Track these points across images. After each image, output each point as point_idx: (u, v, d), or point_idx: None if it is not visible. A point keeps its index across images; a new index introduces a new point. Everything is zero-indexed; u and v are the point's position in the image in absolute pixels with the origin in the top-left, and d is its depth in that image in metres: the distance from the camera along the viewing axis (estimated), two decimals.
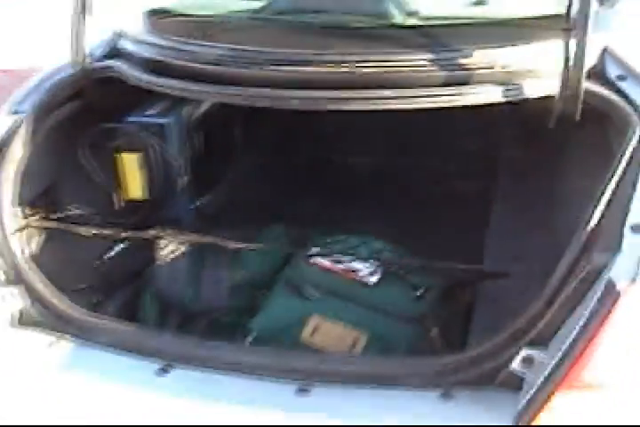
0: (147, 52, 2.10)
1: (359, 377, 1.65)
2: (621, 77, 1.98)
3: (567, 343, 1.46)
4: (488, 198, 2.49)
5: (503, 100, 1.92)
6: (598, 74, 1.99)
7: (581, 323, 1.45)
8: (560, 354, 1.46)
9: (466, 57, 1.89)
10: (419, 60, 1.89)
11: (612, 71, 2.00)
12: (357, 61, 1.85)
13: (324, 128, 2.91)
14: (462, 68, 1.90)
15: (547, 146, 2.44)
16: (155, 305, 2.04)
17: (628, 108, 1.84)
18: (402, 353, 1.84)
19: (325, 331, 1.87)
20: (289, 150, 3.05)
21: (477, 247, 2.24)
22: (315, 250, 1.92)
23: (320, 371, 1.67)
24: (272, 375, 1.64)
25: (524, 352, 1.57)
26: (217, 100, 2.11)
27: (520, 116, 2.67)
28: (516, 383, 1.57)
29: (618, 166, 1.68)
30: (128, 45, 2.18)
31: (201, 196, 2.44)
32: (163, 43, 2.08)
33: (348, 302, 1.89)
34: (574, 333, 1.46)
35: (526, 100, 1.95)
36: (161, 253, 2.06)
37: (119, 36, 2.25)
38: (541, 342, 1.57)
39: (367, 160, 2.99)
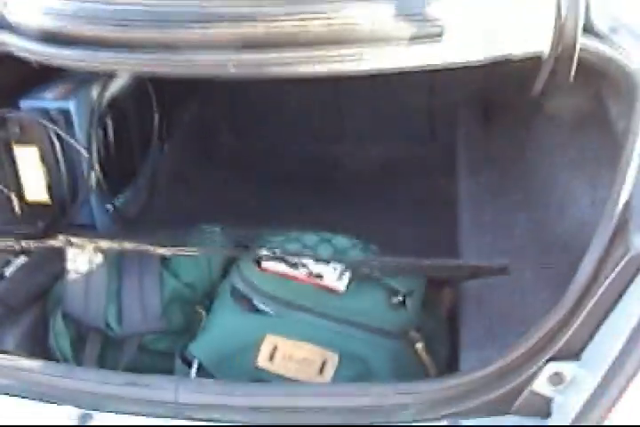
0: (40, 20, 1.67)
1: (337, 412, 1.28)
2: (613, 30, 1.67)
3: (616, 353, 1.13)
4: (455, 182, 2.17)
5: (479, 61, 1.57)
6: (585, 27, 1.67)
7: (632, 327, 1.13)
8: (607, 367, 1.13)
9: (429, 7, 1.52)
10: (366, 13, 1.51)
11: (601, 23, 1.68)
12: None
13: (258, 107, 2.55)
14: (425, 21, 1.54)
15: (519, 115, 2.19)
16: (67, 332, 1.63)
17: (631, 65, 1.52)
18: (384, 376, 1.47)
19: (286, 353, 1.49)
20: (220, 135, 2.71)
21: (450, 240, 1.93)
22: (264, 252, 1.53)
23: (286, 407, 1.30)
24: (226, 417, 1.26)
25: (551, 368, 1.23)
26: (129, 70, 1.71)
27: (487, 80, 2.39)
28: (540, 408, 1.25)
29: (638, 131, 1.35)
30: (17, 14, 1.76)
31: (117, 194, 2.05)
32: (59, 7, 1.66)
33: (313, 316, 1.51)
34: (623, 339, 1.13)
35: (504, 60, 1.61)
36: (71, 265, 1.64)
37: (4, 3, 1.83)
38: (570, 354, 1.23)
39: (311, 146, 2.65)
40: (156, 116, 2.28)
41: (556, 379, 1.23)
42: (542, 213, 1.84)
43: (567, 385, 1.22)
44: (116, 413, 1.29)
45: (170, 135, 2.46)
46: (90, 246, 1.61)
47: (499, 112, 2.40)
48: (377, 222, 2.12)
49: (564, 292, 1.26)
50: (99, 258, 1.64)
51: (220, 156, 2.70)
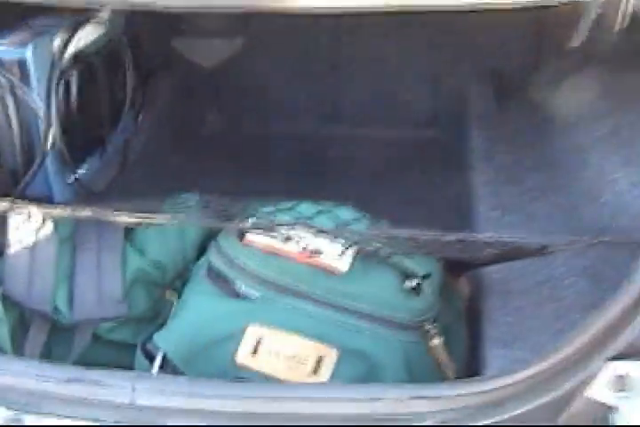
0: None
1: (336, 422, 1.00)
2: None
3: None
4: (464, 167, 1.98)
5: (517, 4, 1.33)
6: None
7: None
8: None
9: None
10: None
11: None
12: None
13: (246, 81, 2.34)
14: None
15: (536, 91, 2.08)
16: (6, 318, 1.34)
17: None
18: (392, 377, 1.19)
19: (273, 348, 1.22)
20: (204, 109, 2.46)
21: (465, 226, 1.68)
22: (249, 222, 1.25)
23: (272, 414, 1.02)
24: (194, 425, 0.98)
25: (612, 368, 0.96)
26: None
27: (499, 54, 2.25)
28: (597, 420, 1.00)
29: None
30: None
31: (80, 163, 1.77)
32: None
33: (307, 302, 1.23)
34: None
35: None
36: (14, 236, 1.35)
37: None
38: (634, 352, 0.98)
39: (303, 126, 2.43)
40: (130, 80, 2.01)
41: (620, 383, 0.97)
42: (569, 198, 1.64)
43: (636, 391, 0.94)
44: (54, 416, 1.00)
45: (146, 105, 2.19)
46: (38, 213, 1.32)
47: (512, 89, 2.21)
48: (377, 206, 1.87)
49: (624, 278, 1.00)
50: (48, 228, 1.36)
51: (202, 132, 2.47)
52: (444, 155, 2.24)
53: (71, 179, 1.74)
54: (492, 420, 1.00)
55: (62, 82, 1.68)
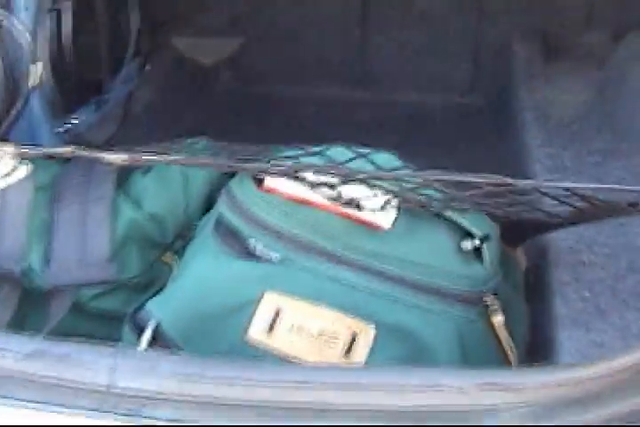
0: None
1: (377, 417, 0.76)
2: None
3: None
4: (508, 114, 1.92)
5: None
6: None
7: None
8: None
9: None
10: None
11: None
12: None
13: (266, 38, 2.20)
14: None
15: (592, 48, 1.99)
16: None
17: None
18: (444, 361, 0.95)
19: (295, 322, 0.98)
20: (219, 66, 2.27)
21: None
22: (271, 164, 1.00)
23: (294, 404, 0.77)
24: (191, 417, 0.73)
25: None
26: None
27: (548, 8, 2.10)
28: None
29: None
30: None
31: (71, 112, 1.59)
32: None
33: (339, 265, 0.98)
34: None
35: None
36: None
37: None
38: None
39: (328, 89, 2.25)
40: (135, 22, 1.79)
41: None
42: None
43: None
44: (10, 401, 0.77)
45: (155, 54, 1.98)
46: (9, 153, 1.08)
47: (561, 49, 2.08)
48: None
49: None
50: (22, 172, 1.12)
51: (215, 89, 2.26)
52: (487, 120, 2.08)
53: (61, 128, 1.52)
54: (586, 417, 0.75)
55: (62, 10, 1.47)
